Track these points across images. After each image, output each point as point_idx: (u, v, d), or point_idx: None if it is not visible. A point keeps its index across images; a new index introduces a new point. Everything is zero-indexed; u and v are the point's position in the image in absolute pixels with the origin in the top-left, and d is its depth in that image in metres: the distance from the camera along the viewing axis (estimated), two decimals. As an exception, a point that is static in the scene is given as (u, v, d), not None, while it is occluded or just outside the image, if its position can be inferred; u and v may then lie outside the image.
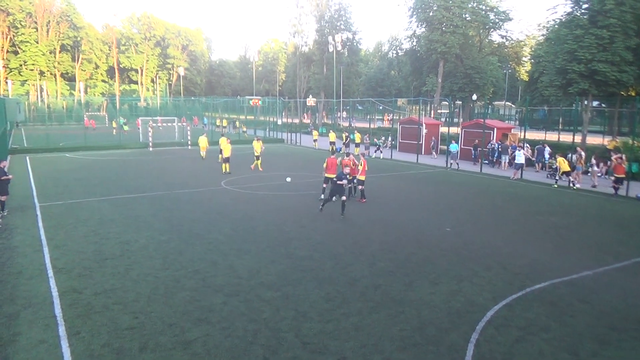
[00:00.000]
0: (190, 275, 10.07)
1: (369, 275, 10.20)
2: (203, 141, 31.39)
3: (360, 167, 17.76)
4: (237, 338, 7.37)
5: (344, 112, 69.78)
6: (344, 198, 15.41)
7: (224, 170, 24.91)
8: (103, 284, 9.48)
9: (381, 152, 33.96)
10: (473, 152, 31.02)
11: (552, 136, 38.97)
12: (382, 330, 7.73)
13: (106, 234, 13.16)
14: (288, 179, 20.78)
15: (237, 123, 58.51)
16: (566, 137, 35.47)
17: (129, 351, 6.94)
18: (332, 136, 38.03)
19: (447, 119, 45.35)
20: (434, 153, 34.45)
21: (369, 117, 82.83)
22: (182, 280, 9.75)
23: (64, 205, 16.99)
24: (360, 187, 18.02)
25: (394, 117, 46.18)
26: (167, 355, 6.86)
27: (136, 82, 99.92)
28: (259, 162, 26.20)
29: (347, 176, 15.92)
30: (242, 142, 41.69)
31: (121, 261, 10.91)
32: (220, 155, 28.73)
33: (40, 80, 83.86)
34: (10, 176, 15.81)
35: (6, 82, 79.56)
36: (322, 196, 17.07)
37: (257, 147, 26.06)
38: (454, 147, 29.17)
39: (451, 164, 28.65)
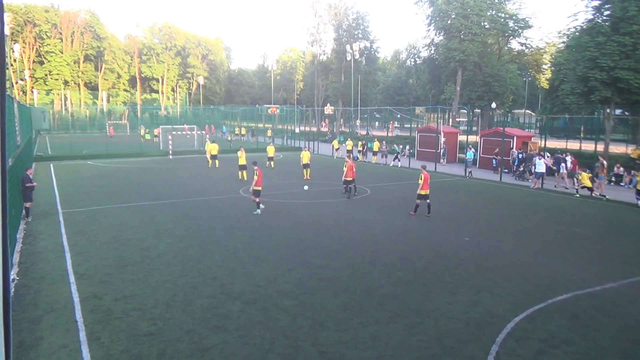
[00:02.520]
0: (208, 282, 10.15)
1: (387, 285, 10.12)
2: (209, 146, 33.27)
3: (420, 181, 16.87)
4: (254, 346, 7.38)
5: (358, 120, 69.66)
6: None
7: (240, 178, 25.16)
8: (123, 290, 9.62)
9: (399, 160, 33.82)
10: (494, 160, 30.68)
11: (573, 144, 38.28)
12: (400, 340, 7.66)
13: (126, 241, 13.36)
14: (305, 187, 20.83)
15: (269, 132, 58.68)
16: (588, 146, 34.81)
17: (147, 357, 7.01)
18: (350, 144, 38.15)
19: (467, 127, 44.95)
20: (443, 160, 34.23)
21: (377, 124, 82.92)
22: (200, 287, 9.82)
23: (86, 211, 17.31)
24: (421, 201, 17.05)
25: (412, 126, 45.83)
26: (185, 362, 6.92)
27: (157, 91, 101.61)
28: (308, 170, 26.35)
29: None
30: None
31: (141, 267, 11.06)
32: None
33: (64, 89, 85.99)
34: (34, 183, 16.23)
35: (32, 92, 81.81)
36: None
37: (306, 156, 26.43)
38: (469, 155, 28.90)
39: (468, 171, 28.33)
